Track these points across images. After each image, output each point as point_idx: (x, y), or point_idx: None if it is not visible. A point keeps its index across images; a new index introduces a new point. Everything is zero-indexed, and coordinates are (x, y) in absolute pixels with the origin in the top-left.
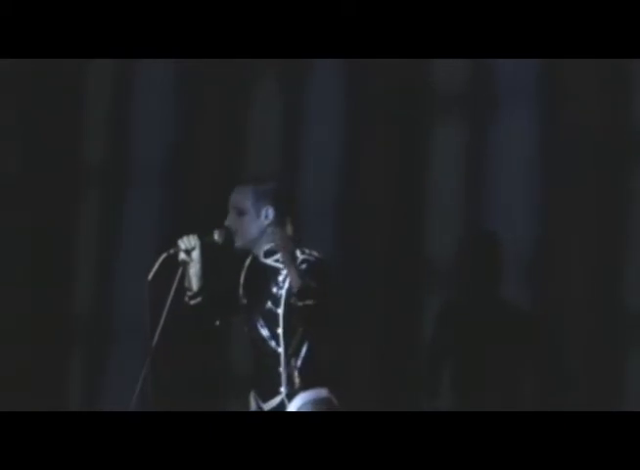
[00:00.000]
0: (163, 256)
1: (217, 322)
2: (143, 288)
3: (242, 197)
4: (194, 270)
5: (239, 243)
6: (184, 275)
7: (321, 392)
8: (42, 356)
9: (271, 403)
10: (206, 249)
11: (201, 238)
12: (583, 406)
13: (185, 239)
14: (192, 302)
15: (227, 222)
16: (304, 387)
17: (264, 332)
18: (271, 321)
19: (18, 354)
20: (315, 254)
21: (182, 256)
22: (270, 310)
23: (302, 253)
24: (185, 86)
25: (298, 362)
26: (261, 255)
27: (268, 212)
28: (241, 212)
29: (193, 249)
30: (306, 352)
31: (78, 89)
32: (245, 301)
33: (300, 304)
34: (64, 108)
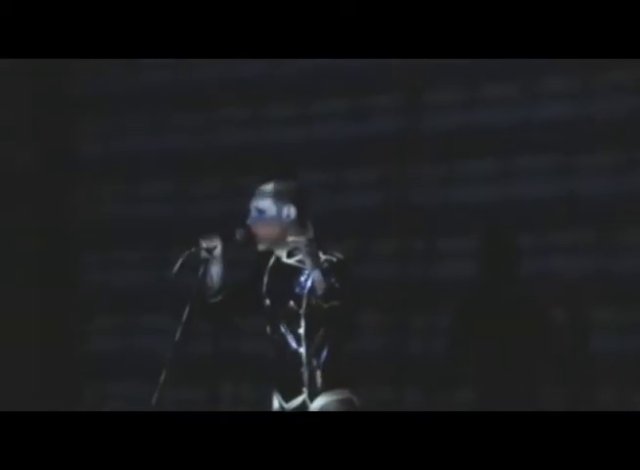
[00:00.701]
0: (186, 253)
1: (236, 320)
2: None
3: (263, 196)
4: (215, 269)
5: (260, 242)
6: (205, 273)
7: (343, 392)
8: (47, 356)
9: (293, 403)
10: (228, 248)
11: (222, 237)
12: (603, 407)
13: (207, 237)
14: (212, 300)
15: (249, 221)
16: (326, 387)
17: (286, 332)
18: (293, 321)
19: (22, 354)
20: (337, 254)
21: (204, 254)
22: (292, 310)
23: (324, 253)
24: (184, 85)
25: (320, 362)
26: (284, 255)
27: (290, 211)
28: (262, 211)
29: (214, 247)
30: (328, 352)
31: (78, 88)
32: (267, 301)
33: (326, 305)
34: (63, 107)
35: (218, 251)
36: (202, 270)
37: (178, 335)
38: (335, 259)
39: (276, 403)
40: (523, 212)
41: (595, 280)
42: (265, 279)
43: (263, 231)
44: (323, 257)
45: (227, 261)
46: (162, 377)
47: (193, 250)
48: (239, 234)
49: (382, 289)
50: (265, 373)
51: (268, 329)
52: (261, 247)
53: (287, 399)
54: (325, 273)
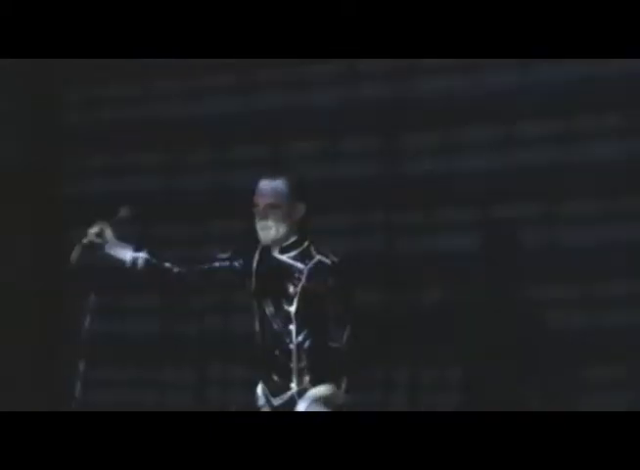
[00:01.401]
0: (77, 247)
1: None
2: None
3: (276, 190)
4: (114, 247)
5: (270, 238)
6: (108, 255)
7: (330, 388)
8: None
9: (281, 399)
10: (116, 227)
11: (107, 219)
12: (593, 407)
13: (93, 225)
14: (138, 267)
15: (259, 216)
16: (314, 383)
17: (277, 328)
18: (284, 317)
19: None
20: (332, 257)
21: (96, 240)
22: (283, 307)
23: (318, 252)
24: (188, 83)
25: (310, 359)
26: (276, 250)
27: (300, 208)
28: (275, 207)
29: (102, 231)
30: (318, 349)
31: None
32: (256, 295)
33: (321, 304)
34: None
35: (108, 232)
36: (102, 254)
37: (87, 322)
38: (328, 262)
39: (262, 399)
40: (525, 181)
41: (604, 252)
42: (254, 273)
43: (275, 227)
44: (317, 256)
45: (122, 238)
46: (81, 367)
47: (84, 241)
48: (123, 212)
49: (375, 262)
50: (253, 367)
51: (257, 325)
52: (269, 243)
53: (275, 394)
54: (319, 274)
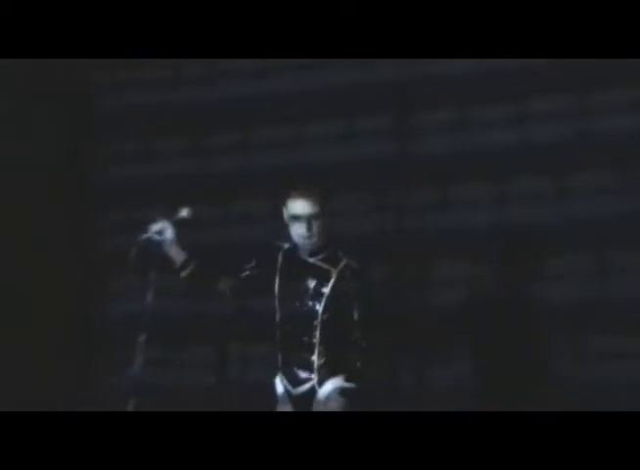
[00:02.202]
0: (138, 241)
1: (222, 285)
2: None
3: (317, 199)
4: (171, 247)
5: (313, 247)
6: (163, 253)
7: (351, 382)
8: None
9: (301, 389)
10: (178, 226)
11: (169, 218)
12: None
13: (155, 223)
14: (182, 274)
15: (303, 227)
16: (333, 373)
17: (301, 324)
18: (309, 315)
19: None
20: (354, 261)
21: (155, 237)
22: (310, 305)
23: (345, 256)
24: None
25: (331, 354)
26: (305, 253)
27: (330, 211)
28: (319, 216)
29: (164, 229)
30: (339, 346)
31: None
32: (281, 295)
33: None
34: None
35: (169, 232)
36: (159, 251)
37: (149, 297)
38: (355, 266)
39: (280, 388)
40: (539, 158)
41: (617, 225)
42: (278, 275)
43: (320, 235)
44: (345, 260)
45: (180, 239)
46: (142, 340)
47: (144, 237)
48: (184, 212)
49: (392, 242)
50: (273, 359)
51: (278, 319)
52: (307, 248)
53: (294, 384)
54: (348, 277)
